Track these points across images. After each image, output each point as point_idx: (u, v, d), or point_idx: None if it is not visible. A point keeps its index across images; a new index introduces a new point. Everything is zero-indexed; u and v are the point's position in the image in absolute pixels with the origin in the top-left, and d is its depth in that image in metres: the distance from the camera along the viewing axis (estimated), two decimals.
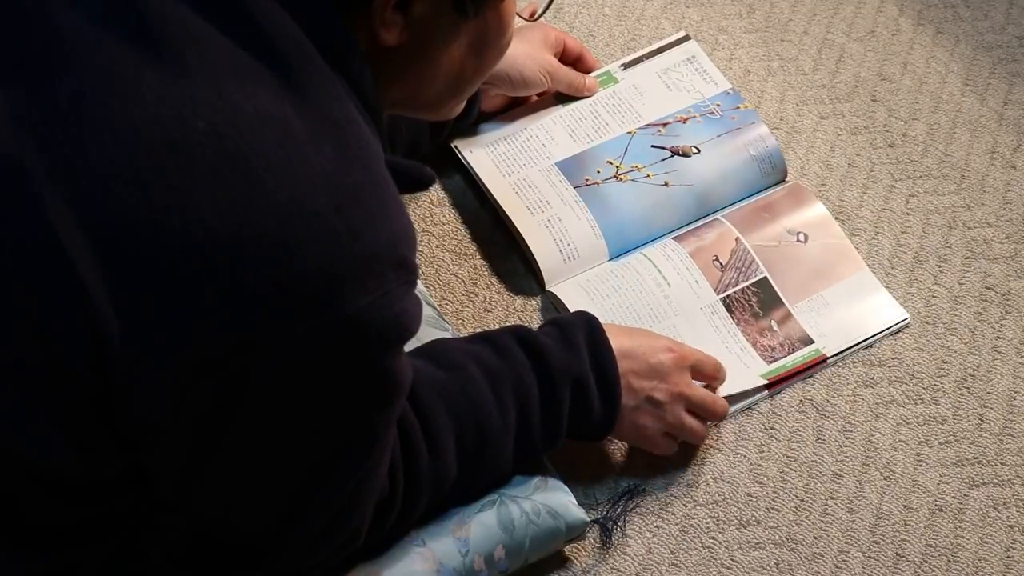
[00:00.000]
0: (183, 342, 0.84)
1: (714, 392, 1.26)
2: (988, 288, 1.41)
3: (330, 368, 0.89)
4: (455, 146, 1.44)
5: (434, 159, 1.45)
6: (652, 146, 1.43)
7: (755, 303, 1.36)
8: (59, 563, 0.95)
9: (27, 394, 0.86)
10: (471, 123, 1.44)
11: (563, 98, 1.48)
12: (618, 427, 1.19)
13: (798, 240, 1.40)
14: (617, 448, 1.27)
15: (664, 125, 1.45)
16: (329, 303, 0.85)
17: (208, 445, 0.90)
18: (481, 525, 1.13)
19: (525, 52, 1.40)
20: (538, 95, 1.48)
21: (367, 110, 0.92)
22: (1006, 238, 1.45)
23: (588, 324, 1.18)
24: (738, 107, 1.46)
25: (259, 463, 0.94)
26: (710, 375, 1.26)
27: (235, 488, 0.96)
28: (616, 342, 1.18)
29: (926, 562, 1.24)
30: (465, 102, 1.11)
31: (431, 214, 1.42)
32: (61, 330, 0.84)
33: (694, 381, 1.24)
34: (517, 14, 1.03)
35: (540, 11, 1.13)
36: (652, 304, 1.34)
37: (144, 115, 0.84)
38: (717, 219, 1.41)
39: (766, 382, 1.32)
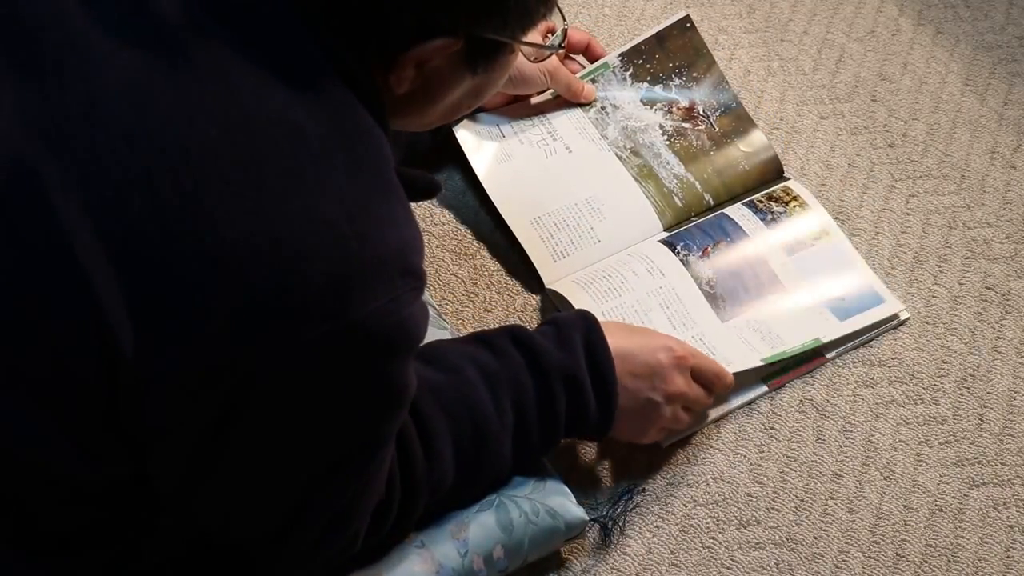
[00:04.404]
0: (194, 348, 0.84)
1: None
2: (988, 288, 1.41)
3: (337, 374, 0.89)
4: (455, 131, 1.43)
5: (434, 159, 1.45)
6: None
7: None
8: (64, 567, 0.95)
9: (37, 400, 0.86)
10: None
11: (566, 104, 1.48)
12: (616, 428, 1.18)
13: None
14: (617, 448, 1.27)
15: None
16: (338, 309, 0.86)
17: (213, 449, 0.90)
18: (480, 525, 1.13)
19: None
20: (538, 94, 1.48)
21: (377, 120, 0.92)
22: (1006, 238, 1.45)
23: (586, 323, 1.17)
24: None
25: (262, 467, 0.94)
26: (710, 379, 1.23)
27: (237, 492, 0.95)
28: (614, 342, 1.17)
29: (926, 562, 1.24)
30: None
31: (431, 214, 1.42)
32: (72, 337, 0.84)
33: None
34: (520, 53, 1.03)
35: (543, 57, 1.13)
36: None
37: (157, 122, 0.84)
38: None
39: (766, 388, 1.32)
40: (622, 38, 1.58)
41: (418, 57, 0.91)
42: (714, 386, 1.24)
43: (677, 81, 1.48)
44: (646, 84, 1.47)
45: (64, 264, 0.82)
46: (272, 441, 0.92)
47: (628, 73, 1.48)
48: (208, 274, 0.83)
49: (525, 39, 0.97)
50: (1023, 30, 1.63)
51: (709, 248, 1.38)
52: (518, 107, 1.46)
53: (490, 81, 1.00)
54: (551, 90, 1.47)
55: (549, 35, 1.27)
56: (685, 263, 1.36)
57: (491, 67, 0.97)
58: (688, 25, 1.50)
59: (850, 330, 1.35)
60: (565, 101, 1.47)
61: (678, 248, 1.38)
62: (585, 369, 1.15)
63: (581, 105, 1.46)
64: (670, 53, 1.49)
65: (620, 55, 1.49)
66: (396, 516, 1.06)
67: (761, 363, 1.30)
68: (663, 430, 1.23)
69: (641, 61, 1.48)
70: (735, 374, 1.26)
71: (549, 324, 1.18)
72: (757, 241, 1.39)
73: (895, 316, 1.38)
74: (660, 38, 1.50)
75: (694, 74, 1.49)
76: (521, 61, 1.37)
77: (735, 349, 1.31)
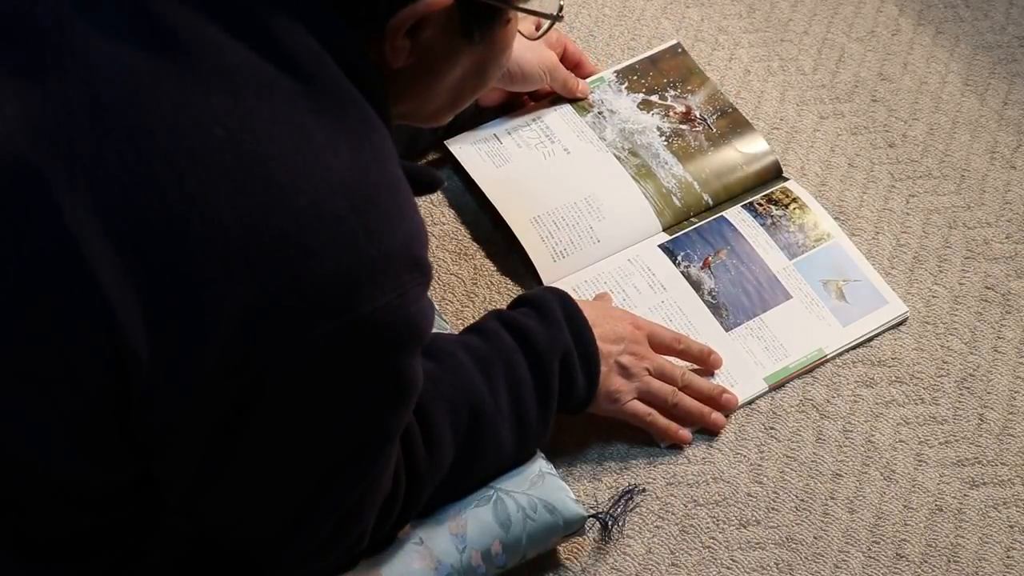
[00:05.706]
0: (205, 347, 0.84)
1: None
2: (988, 288, 1.41)
3: (346, 369, 0.89)
4: (446, 143, 1.44)
5: (434, 156, 1.45)
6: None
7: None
8: (65, 572, 0.95)
9: (44, 404, 0.86)
10: (468, 115, 1.44)
11: (558, 101, 1.48)
12: (595, 397, 1.21)
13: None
14: (617, 448, 1.27)
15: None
16: (347, 305, 0.86)
17: (224, 448, 0.90)
18: (477, 521, 1.13)
19: (526, 46, 1.39)
20: (533, 97, 1.48)
21: (379, 113, 0.92)
22: (1006, 238, 1.45)
23: (560, 298, 1.21)
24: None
25: (271, 466, 0.94)
26: (669, 345, 1.27)
27: (248, 491, 0.95)
28: (584, 312, 1.20)
29: (926, 562, 1.24)
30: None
31: (431, 214, 1.42)
32: (83, 340, 0.83)
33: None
34: (518, 31, 1.03)
35: (542, 31, 1.13)
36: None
37: (162, 123, 0.84)
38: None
39: (766, 387, 1.32)
40: (622, 38, 1.58)
41: (409, 18, 0.90)
42: (675, 353, 1.28)
43: (672, 92, 1.49)
44: (642, 94, 1.48)
45: (72, 266, 0.82)
46: (283, 438, 0.92)
47: (624, 86, 1.49)
48: (217, 273, 0.83)
49: (518, 5, 0.96)
50: (1023, 30, 1.63)
51: (710, 258, 1.38)
52: (511, 109, 1.47)
53: (491, 57, 1.00)
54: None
55: (536, 32, 1.26)
56: (686, 275, 1.37)
57: (487, 36, 0.96)
58: (680, 50, 1.53)
59: (852, 337, 1.35)
60: (558, 98, 1.47)
61: (679, 258, 1.38)
62: (571, 342, 1.18)
63: (576, 101, 1.47)
64: (663, 72, 1.51)
65: (615, 72, 1.50)
66: (400, 510, 1.06)
67: (764, 383, 1.31)
68: (644, 405, 1.24)
69: (636, 77, 1.50)
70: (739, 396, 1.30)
71: (526, 304, 1.20)
72: (758, 247, 1.39)
73: (899, 317, 1.38)
74: (653, 60, 1.52)
75: (688, 87, 1.50)
76: (520, 54, 1.38)
77: (739, 363, 1.32)
